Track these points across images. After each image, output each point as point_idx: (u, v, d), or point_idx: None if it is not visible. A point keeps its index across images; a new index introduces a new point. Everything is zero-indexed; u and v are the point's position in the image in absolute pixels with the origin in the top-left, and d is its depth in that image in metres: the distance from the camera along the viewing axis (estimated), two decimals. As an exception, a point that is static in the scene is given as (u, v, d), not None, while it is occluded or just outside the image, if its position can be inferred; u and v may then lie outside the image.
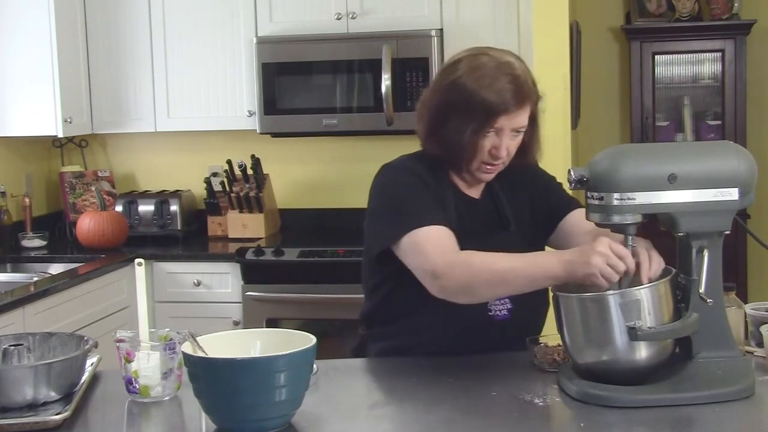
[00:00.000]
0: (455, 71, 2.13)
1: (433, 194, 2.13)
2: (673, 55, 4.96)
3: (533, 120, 2.16)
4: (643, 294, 1.79)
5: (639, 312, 1.76)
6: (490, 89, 2.06)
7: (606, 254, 1.82)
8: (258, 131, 4.35)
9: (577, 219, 2.17)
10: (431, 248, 2.00)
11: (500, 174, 2.21)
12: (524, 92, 2.10)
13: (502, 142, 2.10)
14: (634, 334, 1.75)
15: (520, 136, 2.14)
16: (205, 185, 4.58)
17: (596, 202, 1.83)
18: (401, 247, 2.06)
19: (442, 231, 2.04)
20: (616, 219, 1.82)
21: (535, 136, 2.20)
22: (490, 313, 2.12)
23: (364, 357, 2.25)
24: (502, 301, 2.12)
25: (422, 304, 2.08)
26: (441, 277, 1.96)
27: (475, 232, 2.14)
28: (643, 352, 1.79)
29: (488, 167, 2.14)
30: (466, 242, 2.03)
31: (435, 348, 2.12)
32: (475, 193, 2.23)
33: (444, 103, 2.13)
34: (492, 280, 1.94)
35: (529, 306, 2.11)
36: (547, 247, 2.23)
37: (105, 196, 4.53)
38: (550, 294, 1.93)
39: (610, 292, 1.82)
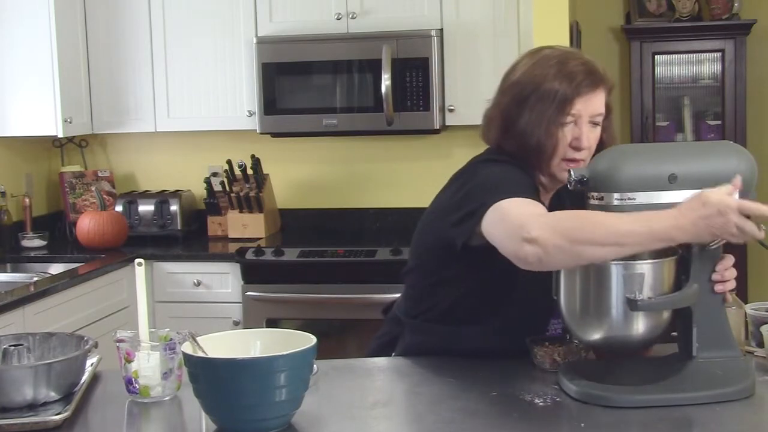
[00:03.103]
0: (516, 69, 2.08)
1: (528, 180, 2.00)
2: (673, 55, 4.96)
3: (608, 113, 2.08)
4: (646, 268, 1.79)
5: (641, 285, 1.76)
6: (561, 73, 2.00)
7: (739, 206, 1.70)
8: (258, 131, 4.35)
9: None
10: (522, 211, 1.81)
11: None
12: (597, 74, 2.03)
13: (582, 131, 2.01)
14: (633, 304, 1.75)
15: (599, 129, 2.05)
16: (205, 185, 4.58)
17: (596, 202, 1.83)
18: (487, 221, 1.87)
19: (535, 202, 1.87)
20: (616, 219, 1.82)
21: (611, 131, 2.11)
22: (547, 333, 2.09)
23: (392, 348, 2.18)
24: (557, 321, 2.05)
25: (489, 312, 2.04)
26: (529, 245, 1.73)
27: None
28: (639, 323, 1.80)
29: (570, 164, 2.01)
30: None
31: (479, 354, 2.05)
32: (546, 202, 2.11)
33: (515, 100, 2.03)
34: (603, 238, 1.70)
35: None
36: None
37: (105, 196, 4.53)
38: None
39: (614, 261, 1.80)
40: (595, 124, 2.04)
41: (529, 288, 1.97)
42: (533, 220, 1.76)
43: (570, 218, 1.77)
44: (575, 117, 2.01)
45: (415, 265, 2.18)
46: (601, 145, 2.06)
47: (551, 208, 2.03)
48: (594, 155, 2.01)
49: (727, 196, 1.73)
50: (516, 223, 1.79)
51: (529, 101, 2.01)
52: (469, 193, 1.98)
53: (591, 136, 2.03)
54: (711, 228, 1.71)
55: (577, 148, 2.02)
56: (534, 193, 1.96)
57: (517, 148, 2.05)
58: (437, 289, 2.11)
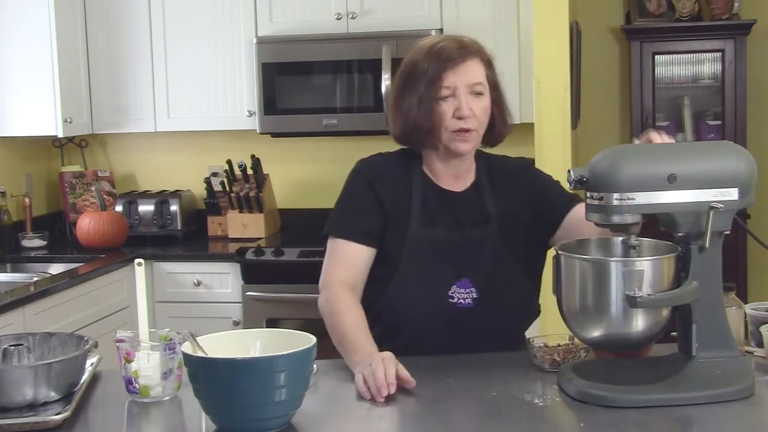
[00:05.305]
0: (403, 61, 2.23)
1: (386, 196, 2.18)
2: (673, 55, 4.96)
3: (494, 86, 2.18)
4: (646, 265, 1.79)
5: (640, 282, 1.77)
6: (431, 53, 2.13)
7: (367, 375, 1.86)
8: (258, 131, 4.35)
9: (580, 214, 2.17)
10: (334, 265, 2.17)
11: (495, 170, 2.24)
12: (468, 47, 2.14)
13: (461, 101, 2.10)
14: (633, 301, 1.75)
15: (484, 99, 2.14)
16: (205, 185, 4.58)
17: (596, 202, 1.83)
18: (327, 245, 2.22)
19: (354, 253, 2.16)
20: (616, 219, 1.82)
21: (503, 106, 2.21)
22: (452, 301, 2.13)
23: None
24: (467, 290, 2.14)
25: (383, 294, 2.15)
26: (320, 293, 2.16)
27: (447, 222, 2.17)
28: (638, 320, 1.80)
29: (459, 134, 2.12)
30: (433, 231, 2.13)
31: (405, 339, 2.10)
32: (458, 186, 2.23)
33: (398, 87, 2.19)
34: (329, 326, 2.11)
35: (496, 296, 2.14)
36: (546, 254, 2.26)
37: (105, 196, 4.53)
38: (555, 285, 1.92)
39: (614, 258, 1.84)
40: (477, 93, 2.13)
41: (407, 276, 2.14)
42: (325, 285, 2.15)
43: (332, 301, 2.11)
44: (451, 89, 2.11)
45: None
46: (493, 120, 2.18)
47: (469, 192, 2.21)
48: (489, 131, 2.17)
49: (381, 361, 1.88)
50: (324, 270, 2.19)
51: (408, 84, 2.15)
52: (336, 206, 2.32)
53: (474, 106, 2.12)
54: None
55: (461, 118, 2.11)
56: (365, 223, 2.19)
57: (404, 130, 2.17)
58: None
